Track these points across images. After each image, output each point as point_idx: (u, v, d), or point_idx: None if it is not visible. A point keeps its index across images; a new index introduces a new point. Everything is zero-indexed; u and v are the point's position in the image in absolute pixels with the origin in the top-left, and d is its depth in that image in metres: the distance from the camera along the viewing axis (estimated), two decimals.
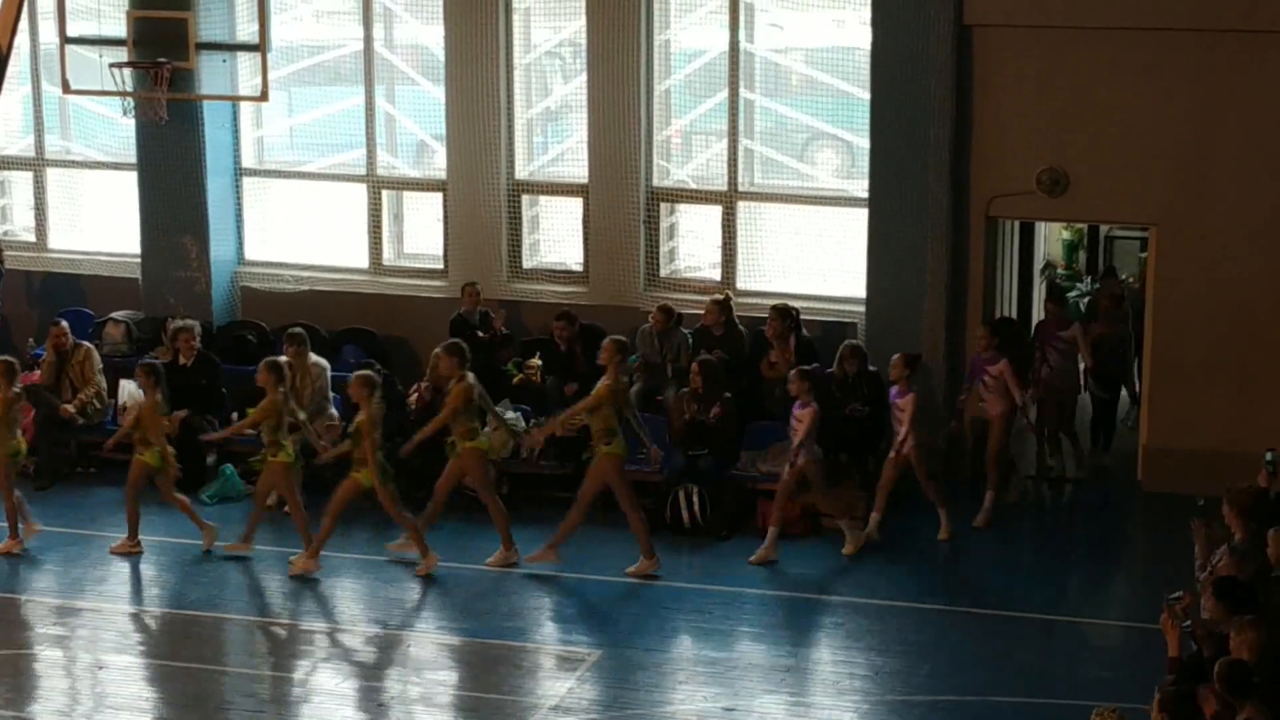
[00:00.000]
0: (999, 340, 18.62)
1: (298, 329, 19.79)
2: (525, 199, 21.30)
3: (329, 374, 19.59)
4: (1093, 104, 19.07)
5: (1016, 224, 20.77)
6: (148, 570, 17.76)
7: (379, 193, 21.79)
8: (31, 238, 23.02)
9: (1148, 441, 19.61)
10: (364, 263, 21.94)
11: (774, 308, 19.43)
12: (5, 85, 20.03)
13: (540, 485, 19.26)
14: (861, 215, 19.94)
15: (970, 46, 19.28)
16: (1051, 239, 24.40)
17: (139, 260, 22.03)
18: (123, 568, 17.75)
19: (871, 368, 18.98)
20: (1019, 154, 19.34)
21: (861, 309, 20.00)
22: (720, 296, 19.90)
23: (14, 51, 20.24)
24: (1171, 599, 12.07)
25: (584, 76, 20.80)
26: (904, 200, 19.50)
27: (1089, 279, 24.54)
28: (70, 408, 19.85)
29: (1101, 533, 19.10)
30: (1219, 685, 10.95)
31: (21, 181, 23.12)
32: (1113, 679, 14.93)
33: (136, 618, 16.82)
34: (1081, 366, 19.98)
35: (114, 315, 21.67)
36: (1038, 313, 21.69)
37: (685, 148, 21.26)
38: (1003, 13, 19.14)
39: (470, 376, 17.61)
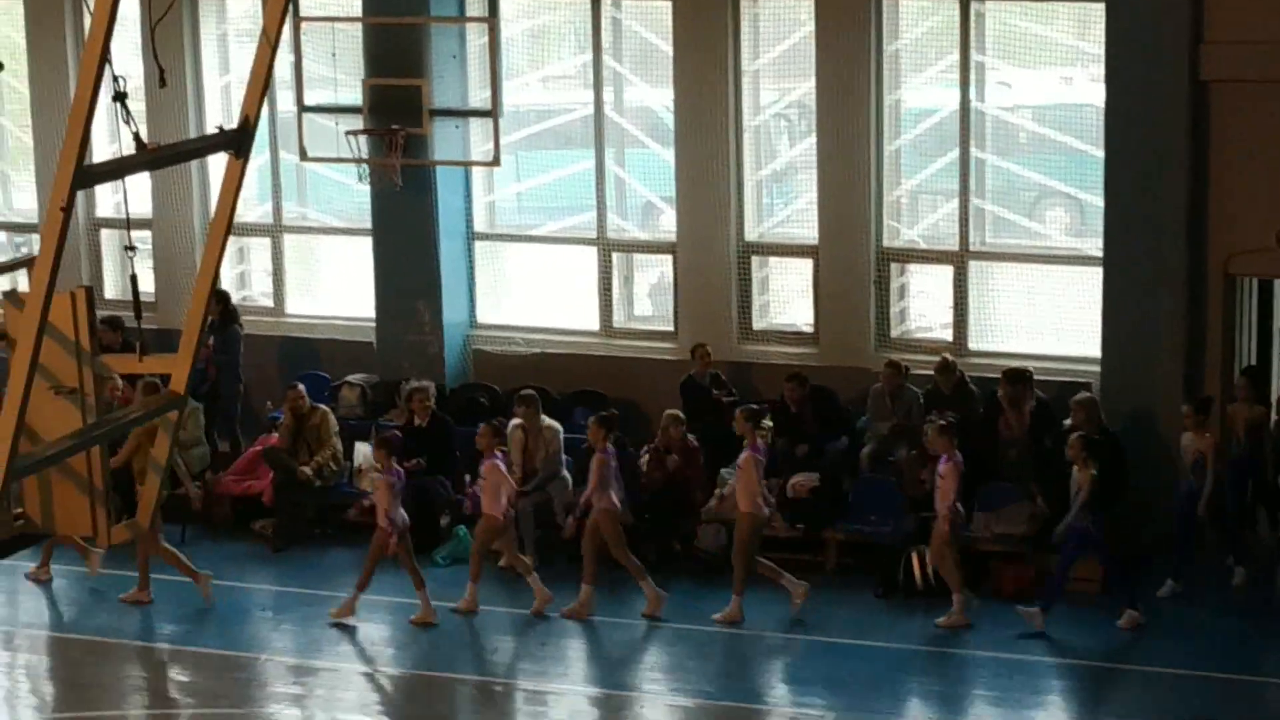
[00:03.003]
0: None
1: (530, 391, 19.93)
2: (755, 260, 21.29)
3: (561, 436, 19.67)
4: None
5: (1255, 281, 20.38)
6: (380, 630, 17.94)
7: (609, 255, 21.91)
8: (269, 303, 23.42)
9: None
10: (594, 325, 22.05)
11: (1005, 372, 19.23)
12: None
13: (774, 548, 19.13)
14: (1094, 274, 19.67)
15: (1206, 102, 18.98)
16: None
17: (373, 324, 22.34)
18: (356, 628, 17.92)
19: (1112, 430, 18.67)
20: (1257, 210, 18.97)
21: (1096, 369, 19.70)
22: (938, 359, 19.74)
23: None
24: None
25: (813, 138, 20.79)
26: (1139, 258, 19.20)
27: None
28: (307, 470, 20.11)
29: None
30: None
31: (260, 248, 23.54)
32: None
33: (372, 677, 17.01)
34: None
35: (349, 378, 21.95)
36: (1278, 371, 21.23)
37: (913, 207, 21.14)
38: (1239, 68, 18.81)
39: None
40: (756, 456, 17.71)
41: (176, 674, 17.23)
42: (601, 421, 17.98)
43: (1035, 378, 19.37)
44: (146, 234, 23.07)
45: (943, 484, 17.53)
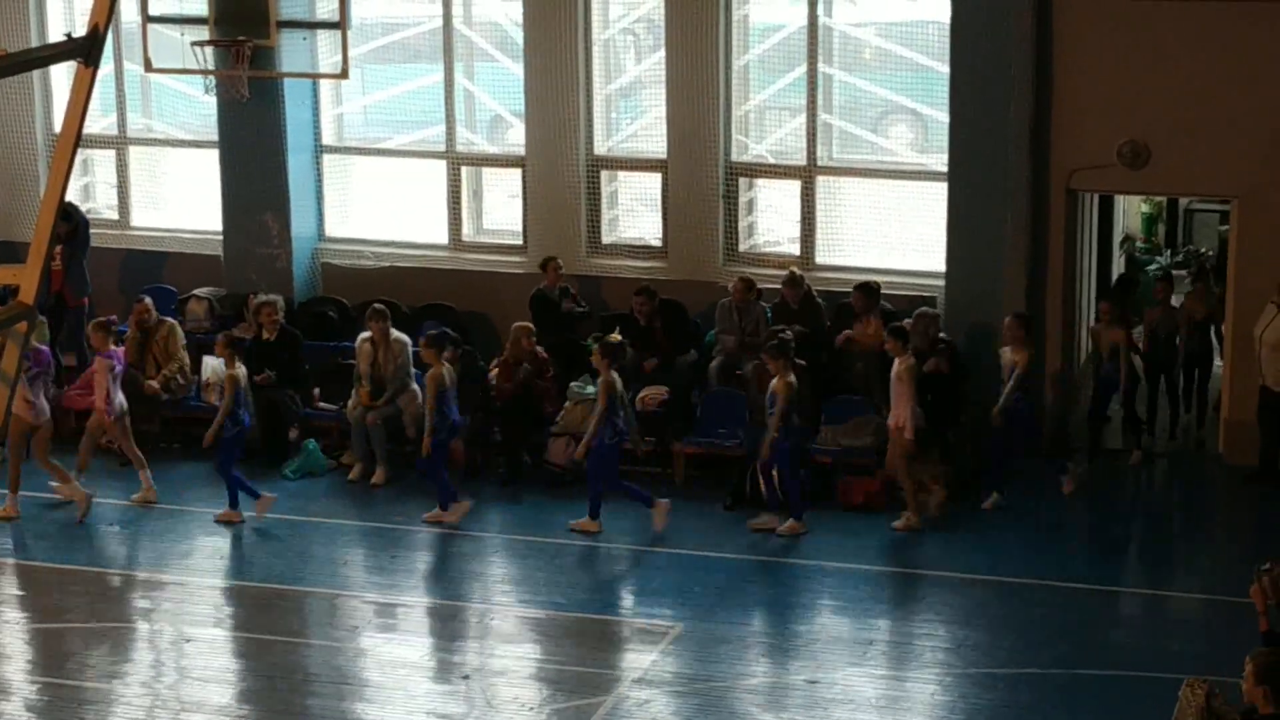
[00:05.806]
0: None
1: (380, 305, 19.88)
2: (604, 174, 21.33)
3: (410, 350, 19.66)
4: (1175, 76, 18.97)
5: (1096, 197, 20.70)
6: (229, 544, 17.90)
7: (458, 169, 21.85)
8: (114, 216, 23.17)
9: (1229, 415, 19.51)
10: (444, 239, 22.01)
11: (858, 286, 19.45)
12: None
13: (624, 462, 19.17)
14: (940, 189, 19.90)
15: (1050, 19, 19.20)
16: (1131, 212, 24.29)
17: (221, 237, 22.16)
18: (208, 541, 17.88)
19: (943, 335, 18.95)
20: (1099, 127, 19.25)
21: (940, 283, 19.95)
22: (785, 273, 19.91)
23: None
24: (1262, 570, 11.96)
25: (661, 52, 20.81)
26: (983, 174, 19.44)
27: (1168, 252, 24.44)
28: (154, 384, 20.02)
29: (1184, 506, 19.02)
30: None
31: (104, 160, 23.24)
32: (1199, 652, 14.92)
33: (221, 591, 16.96)
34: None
35: (196, 292, 21.82)
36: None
37: (761, 122, 21.24)
38: None
39: None
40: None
41: (20, 589, 17.10)
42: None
43: (883, 292, 19.59)
44: None
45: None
